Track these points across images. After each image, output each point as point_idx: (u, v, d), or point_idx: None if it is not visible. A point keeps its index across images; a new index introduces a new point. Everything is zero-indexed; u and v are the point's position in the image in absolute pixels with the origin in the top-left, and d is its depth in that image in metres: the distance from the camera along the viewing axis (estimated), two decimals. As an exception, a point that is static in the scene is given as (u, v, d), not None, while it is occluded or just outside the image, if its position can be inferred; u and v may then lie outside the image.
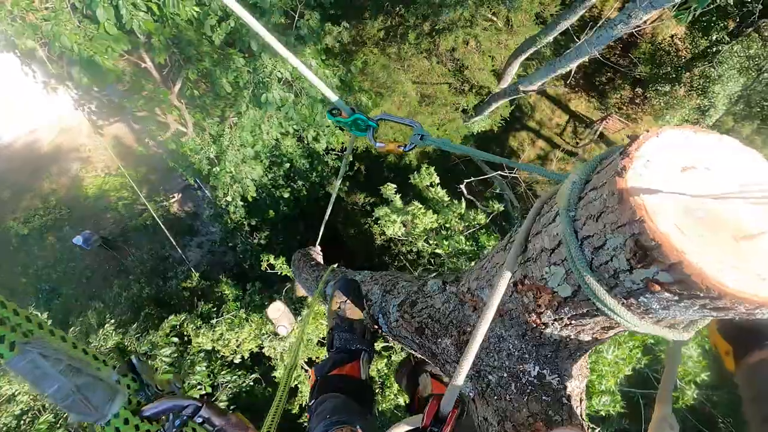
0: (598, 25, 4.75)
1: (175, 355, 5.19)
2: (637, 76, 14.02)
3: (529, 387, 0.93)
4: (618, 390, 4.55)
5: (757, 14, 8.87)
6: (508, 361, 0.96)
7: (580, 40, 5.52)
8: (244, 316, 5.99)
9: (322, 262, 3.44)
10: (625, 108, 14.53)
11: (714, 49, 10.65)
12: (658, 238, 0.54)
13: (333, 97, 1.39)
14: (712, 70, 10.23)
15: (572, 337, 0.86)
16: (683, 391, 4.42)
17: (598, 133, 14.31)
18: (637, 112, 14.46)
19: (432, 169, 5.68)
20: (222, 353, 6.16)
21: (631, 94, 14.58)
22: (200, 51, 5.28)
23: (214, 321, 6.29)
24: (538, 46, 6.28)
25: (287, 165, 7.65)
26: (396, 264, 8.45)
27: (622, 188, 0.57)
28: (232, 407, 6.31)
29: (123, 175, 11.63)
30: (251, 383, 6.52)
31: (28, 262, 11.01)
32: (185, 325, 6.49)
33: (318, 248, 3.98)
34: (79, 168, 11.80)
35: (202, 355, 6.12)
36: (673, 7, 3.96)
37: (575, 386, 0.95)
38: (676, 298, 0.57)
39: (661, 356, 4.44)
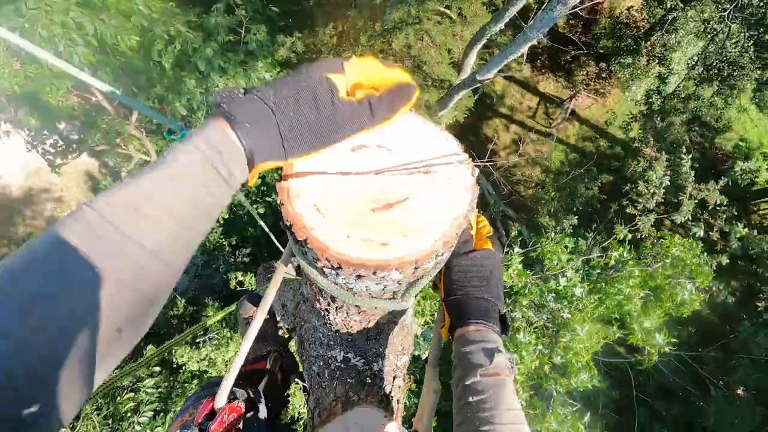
0: (542, 8, 4.81)
1: (160, 387, 5.18)
2: (601, 51, 14.19)
3: (337, 372, 0.97)
4: (601, 364, 4.62)
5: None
6: (321, 350, 0.99)
7: (526, 24, 5.58)
8: (228, 335, 5.98)
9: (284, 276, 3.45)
10: (592, 83, 14.70)
11: (669, 17, 10.82)
12: (291, 219, 0.58)
13: (164, 120, 1.39)
14: (670, 37, 10.38)
15: (356, 318, 0.87)
16: (650, 356, 4.46)
17: (569, 111, 14.46)
18: (605, 86, 14.65)
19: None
20: (210, 374, 6.15)
21: (596, 70, 14.76)
22: (150, 78, 5.25)
23: (200, 342, 6.27)
24: (490, 35, 6.34)
25: (259, 181, 7.62)
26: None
27: (285, 174, 0.62)
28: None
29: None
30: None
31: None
32: (174, 352, 6.46)
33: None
34: (53, 208, 11.64)
35: (195, 382, 6.10)
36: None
37: (386, 364, 0.97)
38: (335, 271, 0.61)
39: (631, 325, 4.49)
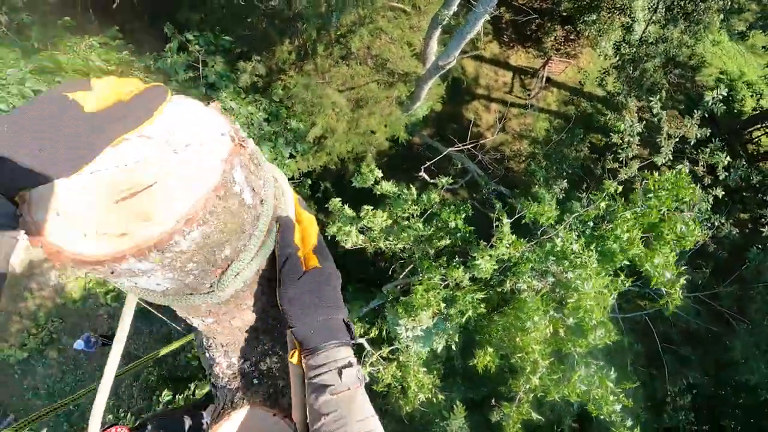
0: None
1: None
2: (564, 14, 14.19)
3: (225, 379, 0.99)
4: (620, 321, 4.56)
5: None
6: (212, 363, 1.00)
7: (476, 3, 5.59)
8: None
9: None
10: (562, 47, 14.69)
11: (621, -34, 10.79)
12: (34, 229, 0.55)
13: None
14: (626, -15, 10.34)
15: (219, 322, 0.89)
16: (670, 297, 4.39)
17: (544, 79, 14.44)
18: (575, 47, 14.63)
19: (373, 165, 5.68)
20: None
21: (564, 33, 14.75)
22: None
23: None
24: (444, 21, 6.35)
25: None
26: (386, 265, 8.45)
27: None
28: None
29: (102, 268, 11.58)
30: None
31: (36, 384, 10.90)
32: (197, 393, 6.46)
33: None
34: (57, 276, 11.73)
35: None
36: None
37: (276, 360, 0.97)
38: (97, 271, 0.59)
39: (642, 271, 4.42)
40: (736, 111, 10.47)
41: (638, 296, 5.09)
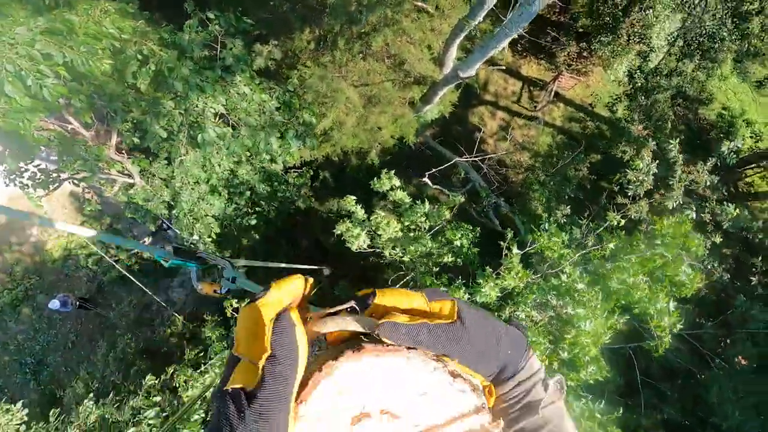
0: (519, 3, 4.72)
1: (165, 413, 5.08)
2: (580, 30, 14.13)
3: None
4: (604, 352, 4.64)
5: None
6: None
7: (506, 16, 5.50)
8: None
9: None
10: (574, 63, 14.65)
11: (646, -8, 10.77)
12: None
13: (151, 251, 1.34)
14: (647, 13, 10.35)
15: None
16: (661, 340, 4.50)
17: (553, 93, 14.43)
18: (587, 65, 14.61)
19: (392, 173, 5.63)
20: (217, 397, 6.08)
21: (577, 49, 14.69)
22: (126, 102, 5.09)
23: (203, 367, 6.19)
24: (468, 30, 6.24)
25: (248, 193, 7.50)
26: (381, 262, 8.44)
27: None
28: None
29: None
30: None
31: (6, 339, 10.65)
32: (176, 377, 6.38)
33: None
34: (39, 233, 11.40)
35: (197, 404, 6.02)
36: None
37: None
38: None
39: (635, 308, 4.50)
40: (735, 159, 10.65)
41: (625, 329, 5.18)
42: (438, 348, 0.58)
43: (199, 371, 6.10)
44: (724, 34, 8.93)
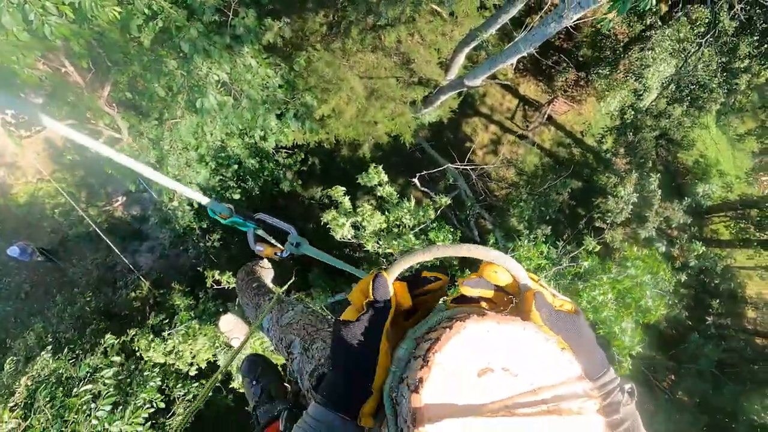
0: (533, 23, 4.83)
1: (121, 375, 4.98)
2: (581, 59, 14.51)
3: None
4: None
5: (685, -1, 9.33)
6: None
7: (518, 34, 5.62)
8: (197, 327, 5.83)
9: (268, 282, 3.35)
10: (570, 90, 15.04)
11: (648, 33, 11.17)
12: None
13: (205, 200, 1.35)
14: (647, 53, 10.74)
15: None
16: (620, 364, 4.74)
17: (546, 115, 14.77)
18: (582, 94, 15.02)
19: (380, 167, 5.67)
20: (177, 366, 5.99)
21: (575, 77, 15.09)
22: (127, 54, 4.94)
23: (166, 334, 6.08)
24: (480, 41, 6.34)
25: (235, 166, 7.39)
26: (356, 256, 8.47)
27: (416, 407, 0.57)
28: (190, 420, 6.16)
29: (58, 180, 10.85)
30: (210, 393, 6.39)
31: (-43, 281, 10.14)
32: (136, 340, 6.25)
33: (266, 262, 3.88)
34: (5, 175, 10.89)
35: (156, 370, 5.91)
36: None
37: None
38: None
39: (606, 330, 4.69)
40: (709, 202, 11.22)
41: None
42: (560, 328, 0.71)
43: (161, 338, 5.99)
44: (714, 85, 9.36)
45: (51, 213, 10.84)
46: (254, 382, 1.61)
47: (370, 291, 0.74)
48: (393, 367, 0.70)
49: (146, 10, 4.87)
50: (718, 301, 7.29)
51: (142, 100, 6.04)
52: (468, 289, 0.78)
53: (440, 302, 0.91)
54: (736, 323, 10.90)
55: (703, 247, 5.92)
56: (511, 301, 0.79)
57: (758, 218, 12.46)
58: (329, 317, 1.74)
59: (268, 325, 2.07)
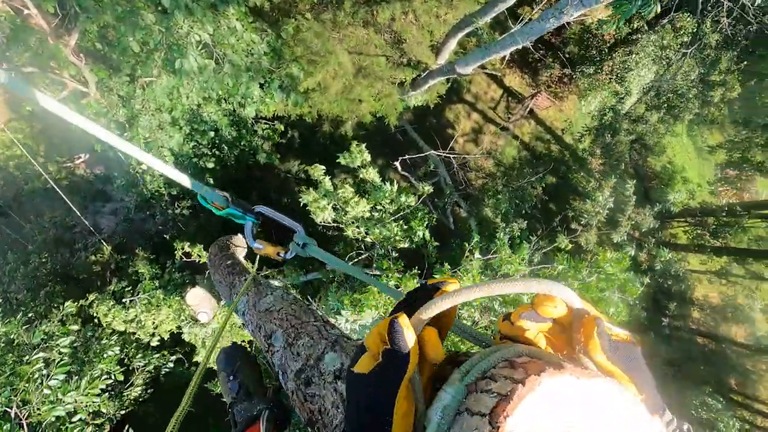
0: (526, 15, 4.76)
1: (77, 343, 4.75)
2: (567, 56, 14.60)
3: None
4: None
5: (673, 6, 9.47)
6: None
7: (512, 24, 5.54)
8: (161, 297, 5.62)
9: (242, 259, 3.23)
10: (553, 86, 15.17)
11: (634, 37, 11.32)
12: None
13: (198, 187, 1.22)
14: (631, 57, 10.91)
15: None
16: None
17: (528, 109, 14.89)
18: (564, 91, 15.18)
19: (363, 146, 5.54)
20: (137, 336, 5.79)
21: (560, 73, 15.21)
22: (99, 1, 4.54)
23: (128, 301, 5.85)
24: (474, 27, 6.22)
25: (211, 134, 7.06)
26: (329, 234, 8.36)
27: None
28: (149, 391, 6.04)
29: (14, 130, 10.09)
30: (171, 364, 6.24)
31: None
32: (95, 306, 5.99)
33: (241, 237, 3.74)
34: (-45, 120, 10.04)
35: (114, 338, 5.70)
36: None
37: None
38: None
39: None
40: (680, 208, 11.71)
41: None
42: (622, 359, 0.61)
43: (122, 305, 5.76)
44: (691, 95, 9.64)
45: (4, 165, 10.13)
46: (231, 377, 1.52)
47: (386, 337, 0.62)
48: (437, 417, 0.59)
49: (123, -45, 4.48)
50: (674, 303, 7.69)
51: (113, 53, 5.61)
52: (526, 324, 0.67)
53: (475, 332, 0.82)
54: (685, 324, 11.60)
55: (670, 254, 6.19)
56: (564, 333, 0.69)
57: (714, 226, 13.15)
58: (313, 307, 1.64)
59: (244, 309, 1.98)
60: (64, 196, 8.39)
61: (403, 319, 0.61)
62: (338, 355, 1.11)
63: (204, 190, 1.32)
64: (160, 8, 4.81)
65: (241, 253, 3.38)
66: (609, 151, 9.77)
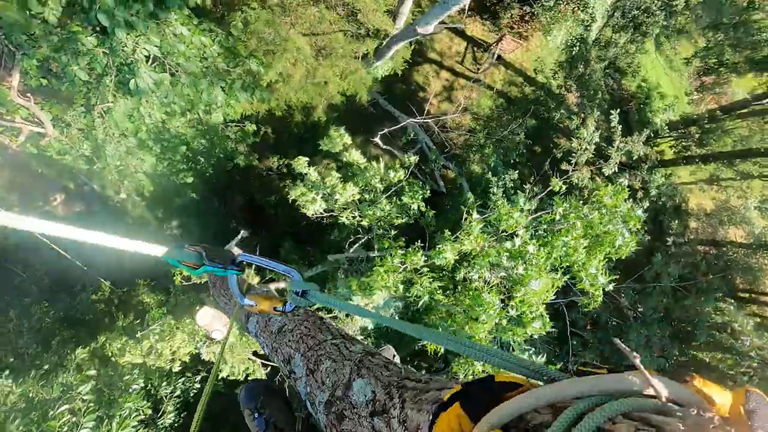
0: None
1: (100, 384, 4.71)
2: (525, -7, 14.21)
3: None
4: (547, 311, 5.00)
5: None
6: None
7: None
8: (173, 322, 5.55)
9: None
10: (516, 27, 14.81)
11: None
12: None
13: (160, 251, 1.12)
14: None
15: None
16: (595, 297, 4.95)
17: (495, 56, 14.57)
18: (528, 29, 14.84)
19: (342, 130, 5.39)
20: (158, 365, 5.75)
21: (520, 13, 14.82)
22: (32, 34, 4.25)
23: (139, 334, 5.79)
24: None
25: (183, 148, 6.82)
26: (325, 222, 8.27)
27: None
28: (182, 415, 6.05)
29: (-19, 186, 9.71)
30: (197, 384, 6.25)
31: None
32: (108, 346, 5.93)
33: (235, 247, 3.65)
34: None
35: (136, 372, 5.66)
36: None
37: None
38: None
39: (575, 272, 4.87)
40: (648, 120, 11.69)
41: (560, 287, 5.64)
42: None
43: (135, 339, 5.69)
44: (655, 8, 9.45)
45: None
46: (256, 414, 1.45)
47: None
48: None
49: (45, -21, 4.17)
50: (675, 221, 7.79)
51: (61, 86, 5.32)
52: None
53: None
54: (685, 237, 11.80)
55: (663, 178, 6.21)
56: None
57: (698, 134, 13.20)
58: (325, 320, 1.54)
59: (256, 330, 1.90)
60: (49, 242, 8.18)
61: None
62: (367, 381, 1.03)
63: (171, 254, 1.20)
64: (98, 29, 4.52)
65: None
66: (584, 83, 9.64)
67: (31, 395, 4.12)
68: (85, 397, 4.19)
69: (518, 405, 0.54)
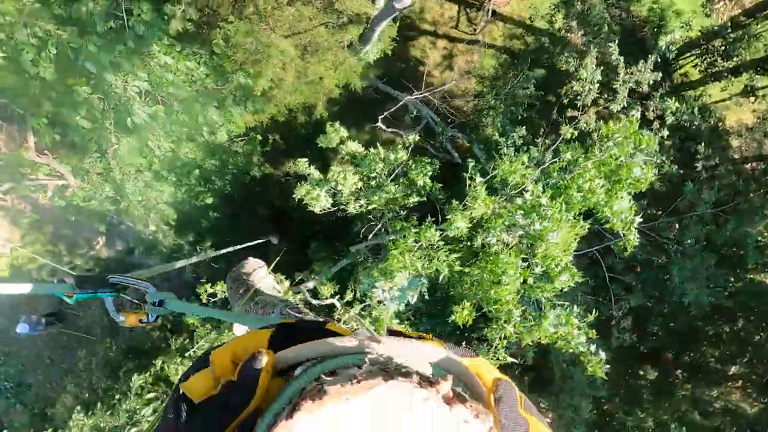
0: None
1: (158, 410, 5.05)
2: (508, -62, 13.53)
3: None
4: (573, 260, 4.87)
5: None
6: None
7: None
8: (215, 337, 5.85)
9: (262, 279, 3.26)
10: (505, -24, 14.19)
11: None
12: None
13: (26, 289, 1.20)
14: None
15: None
16: (627, 238, 4.76)
17: (490, 12, 14.04)
18: (518, -23, 14.18)
19: (337, 124, 5.43)
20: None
21: (507, -40, 14.17)
22: (34, 96, 4.52)
23: (191, 352, 6.13)
24: (395, -46, 5.81)
25: (196, 171, 7.08)
26: (342, 216, 8.37)
27: None
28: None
29: (29, 243, 10.49)
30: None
31: (-23, 370, 10.13)
32: (166, 368, 6.32)
33: (251, 260, 3.77)
34: (-21, 251, 10.53)
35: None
36: None
37: None
38: None
39: (600, 214, 4.70)
40: (675, 52, 10.89)
41: (590, 233, 5.45)
42: None
43: (187, 358, 6.05)
44: None
45: (38, 276, 10.61)
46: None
47: (238, 371, 0.51)
48: None
49: (32, 40, 4.40)
50: (703, 144, 7.31)
51: (73, 136, 5.65)
52: None
53: None
54: (724, 156, 11.07)
55: (677, 103, 5.81)
56: None
57: (722, 47, 12.22)
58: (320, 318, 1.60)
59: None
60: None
61: (268, 357, 0.52)
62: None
63: (42, 290, 1.29)
64: (90, 76, 4.74)
65: (256, 277, 3.41)
66: (585, 19, 9.14)
67: (102, 425, 4.48)
68: (150, 419, 4.52)
69: (299, 352, 0.57)
